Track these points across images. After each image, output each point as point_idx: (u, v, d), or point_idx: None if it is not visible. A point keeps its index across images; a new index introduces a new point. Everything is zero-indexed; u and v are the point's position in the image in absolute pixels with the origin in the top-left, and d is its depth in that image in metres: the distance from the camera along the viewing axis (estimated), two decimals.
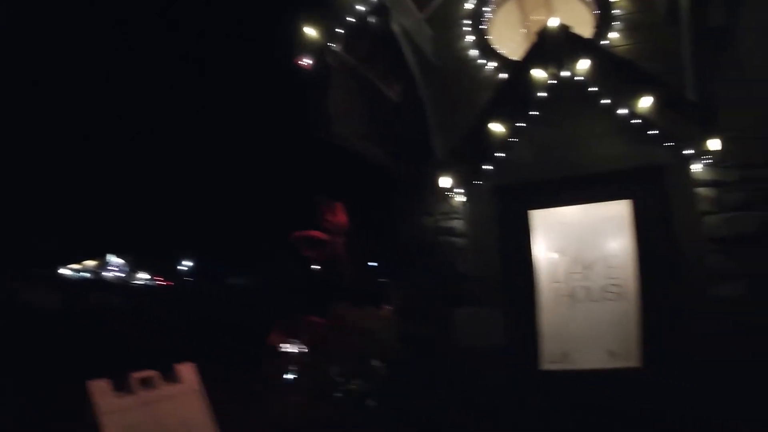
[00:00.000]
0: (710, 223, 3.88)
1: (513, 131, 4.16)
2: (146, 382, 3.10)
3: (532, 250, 4.25)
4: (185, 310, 16.20)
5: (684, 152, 3.87)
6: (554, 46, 4.03)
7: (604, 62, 4.01)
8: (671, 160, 3.94)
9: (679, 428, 3.65)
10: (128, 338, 9.74)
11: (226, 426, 3.42)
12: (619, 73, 4.00)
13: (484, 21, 4.92)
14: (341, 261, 5.59)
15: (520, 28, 5.64)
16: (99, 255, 38.54)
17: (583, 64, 3.97)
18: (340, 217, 5.54)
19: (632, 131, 3.97)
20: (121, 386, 2.97)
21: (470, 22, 4.92)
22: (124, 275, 38.91)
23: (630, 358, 3.97)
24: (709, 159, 3.86)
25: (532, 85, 4.10)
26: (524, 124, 4.15)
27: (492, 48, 4.83)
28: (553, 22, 4.02)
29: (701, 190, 3.93)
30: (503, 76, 4.57)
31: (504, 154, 4.21)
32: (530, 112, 4.15)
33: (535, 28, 4.89)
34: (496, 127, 4.13)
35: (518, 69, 4.22)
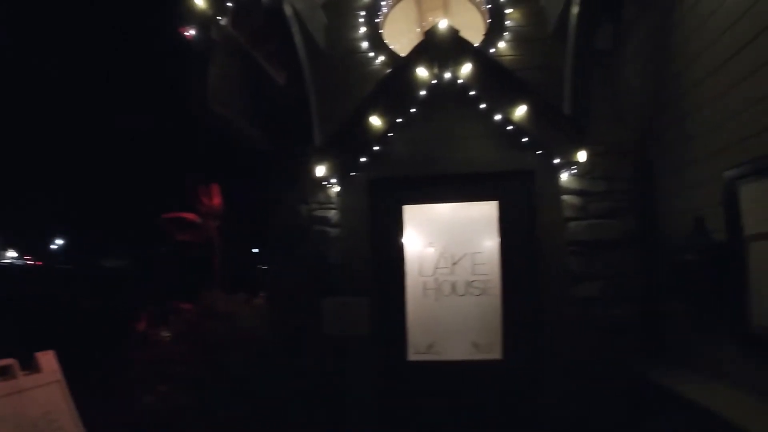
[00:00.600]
0: (573, 228, 4.18)
1: (391, 126, 4.18)
2: (4, 372, 2.81)
3: (403, 244, 4.32)
4: (51, 292, 14.85)
5: (554, 161, 4.12)
6: (440, 48, 4.10)
7: (486, 69, 4.15)
8: (541, 168, 4.17)
9: (532, 415, 4.04)
10: None
11: (90, 417, 3.20)
12: (499, 81, 4.15)
13: (379, 15, 4.91)
14: (214, 245, 5.34)
15: (414, 27, 5.72)
16: None
17: (466, 68, 4.09)
18: (215, 199, 5.29)
19: (506, 137, 4.15)
20: None
21: (365, 14, 4.88)
22: None
23: (493, 351, 4.19)
24: (576, 169, 4.16)
25: (415, 83, 4.15)
26: (403, 120, 4.19)
27: (383, 42, 4.83)
28: (442, 24, 4.09)
29: (567, 198, 4.22)
30: (389, 71, 4.59)
31: (381, 148, 4.22)
32: (410, 109, 4.19)
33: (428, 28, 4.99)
34: (375, 121, 4.13)
35: (402, 65, 4.25)
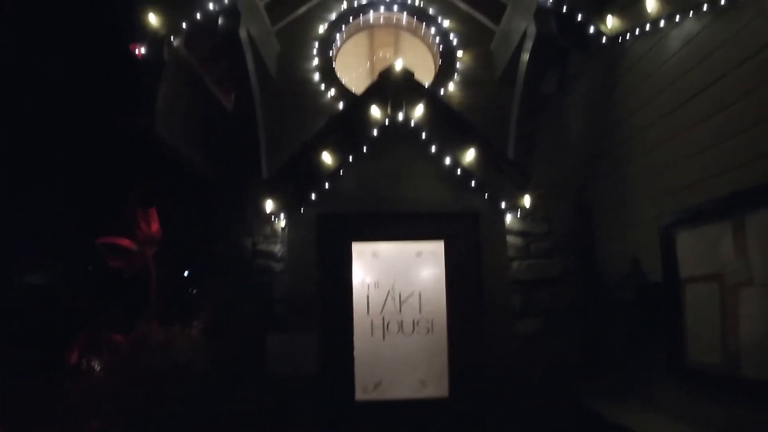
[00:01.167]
0: (517, 267, 4.33)
1: (342, 163, 4.16)
2: None
3: (351, 281, 4.28)
4: None
5: (500, 204, 4.26)
6: (393, 89, 4.13)
7: (438, 111, 4.23)
8: (487, 210, 4.29)
9: None
10: None
11: None
12: (450, 124, 4.25)
13: (332, 47, 4.89)
14: (150, 275, 5.08)
15: (365, 61, 5.75)
16: None
17: (419, 110, 4.15)
18: (154, 225, 5.04)
19: (455, 179, 4.24)
20: None
21: (319, 45, 4.86)
22: None
23: (440, 388, 4.22)
24: (519, 212, 4.32)
25: (367, 122, 4.15)
26: (353, 158, 4.18)
27: (336, 75, 4.81)
28: (397, 65, 4.12)
29: (511, 239, 4.36)
30: (341, 105, 4.58)
31: (330, 184, 4.19)
32: (361, 147, 4.19)
33: (381, 65, 5.01)
34: (325, 157, 4.10)
35: (355, 103, 4.26)
